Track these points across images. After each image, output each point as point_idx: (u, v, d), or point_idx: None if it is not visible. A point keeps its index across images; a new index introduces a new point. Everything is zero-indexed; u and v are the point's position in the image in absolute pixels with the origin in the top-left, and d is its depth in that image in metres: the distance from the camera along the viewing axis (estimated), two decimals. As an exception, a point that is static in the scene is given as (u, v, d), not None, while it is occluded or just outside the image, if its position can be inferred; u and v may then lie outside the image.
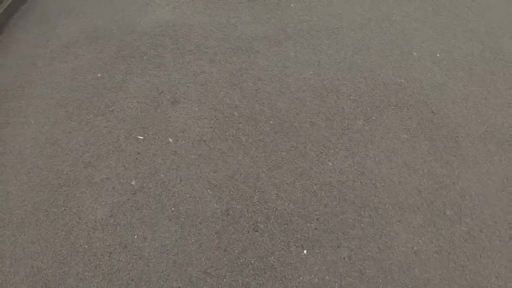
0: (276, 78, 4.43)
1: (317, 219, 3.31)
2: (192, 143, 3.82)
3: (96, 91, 4.35)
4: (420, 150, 3.78)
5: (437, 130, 3.95)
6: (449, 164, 3.70)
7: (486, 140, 3.90)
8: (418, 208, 3.39)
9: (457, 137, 3.91)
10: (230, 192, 3.48)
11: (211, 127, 3.95)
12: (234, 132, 3.91)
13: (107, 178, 3.57)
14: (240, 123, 3.99)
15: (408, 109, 4.13)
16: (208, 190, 3.49)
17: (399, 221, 3.30)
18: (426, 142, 3.85)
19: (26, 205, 3.43)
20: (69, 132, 3.96)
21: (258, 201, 3.42)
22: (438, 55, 4.80)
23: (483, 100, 4.27)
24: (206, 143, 3.83)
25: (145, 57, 4.74)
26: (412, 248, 3.17)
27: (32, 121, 4.09)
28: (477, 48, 4.94)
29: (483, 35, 5.14)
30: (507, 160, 3.75)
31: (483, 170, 3.67)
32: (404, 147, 3.80)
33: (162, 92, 4.30)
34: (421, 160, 3.71)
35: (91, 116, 4.09)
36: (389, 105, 4.16)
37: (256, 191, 3.48)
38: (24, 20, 5.58)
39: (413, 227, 3.27)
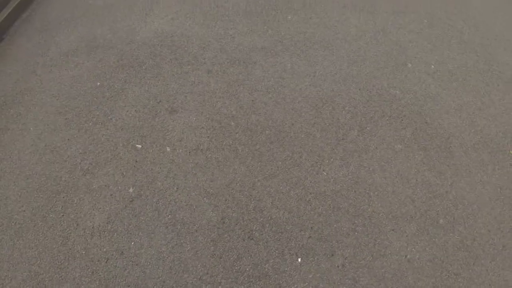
0: (273, 89, 4.49)
1: (311, 228, 3.35)
2: (189, 152, 3.87)
3: (95, 99, 4.41)
4: (414, 160, 3.84)
5: (431, 140, 4.01)
6: (442, 173, 3.75)
7: (479, 150, 3.96)
8: (412, 217, 3.43)
9: (451, 147, 3.97)
10: (226, 200, 3.52)
11: (208, 137, 4.00)
12: (231, 142, 3.96)
13: (105, 185, 3.61)
14: (236, 133, 4.04)
15: (402, 120, 4.19)
16: (205, 199, 3.53)
17: (392, 230, 3.35)
18: (420, 152, 3.90)
19: (25, 211, 3.47)
20: (68, 140, 4.00)
21: (253, 210, 3.46)
22: (433, 66, 4.87)
23: (477, 111, 4.33)
24: (203, 152, 3.88)
25: (143, 67, 4.80)
26: (406, 257, 3.21)
27: (31, 128, 4.13)
28: (471, 59, 5.02)
29: (477, 46, 5.22)
30: (500, 170, 3.81)
31: (476, 180, 3.72)
32: (398, 157, 3.86)
33: (160, 101, 4.35)
34: (415, 170, 3.76)
35: (90, 124, 4.14)
36: (384, 116, 4.22)
37: (252, 199, 3.53)
38: (25, 27, 5.65)
39: (407, 236, 3.32)
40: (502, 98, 4.50)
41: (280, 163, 3.78)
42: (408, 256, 3.21)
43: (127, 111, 4.26)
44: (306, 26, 5.45)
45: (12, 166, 3.82)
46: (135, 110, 4.26)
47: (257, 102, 4.34)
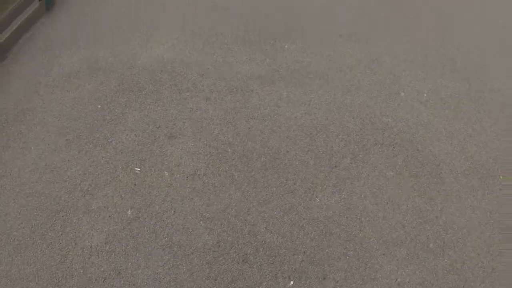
0: (269, 117, 4.62)
1: (304, 252, 3.43)
2: (187, 177, 3.97)
3: (95, 122, 4.52)
4: (405, 187, 3.94)
5: (422, 167, 4.13)
6: (433, 199, 3.85)
7: (469, 176, 4.08)
8: (402, 242, 3.52)
9: (441, 173, 4.08)
10: (221, 224, 3.61)
11: (205, 163, 4.11)
12: (227, 168, 4.07)
13: (104, 207, 3.69)
14: (233, 159, 4.15)
15: (394, 147, 4.31)
16: (201, 222, 3.62)
17: (383, 254, 3.43)
18: (411, 179, 4.01)
19: (24, 228, 3.54)
20: (68, 160, 4.10)
21: (248, 234, 3.55)
22: (425, 95, 5.02)
23: (468, 137, 4.47)
24: (200, 177, 3.98)
25: (144, 92, 4.93)
26: (396, 280, 3.28)
27: (32, 147, 4.23)
28: (464, 86, 5.18)
29: (469, 73, 5.39)
30: (490, 194, 3.92)
31: (466, 205, 3.83)
32: (389, 183, 3.97)
33: (159, 126, 4.47)
34: (406, 196, 3.86)
35: (90, 146, 4.24)
36: (376, 144, 4.34)
37: (247, 224, 3.62)
38: (28, 47, 5.78)
39: (397, 260, 3.40)
40: (493, 124, 4.64)
41: (274, 189, 3.88)
42: (399, 280, 3.29)
43: (127, 135, 4.37)
44: (303, 55, 5.61)
45: (12, 183, 3.90)
46: (135, 134, 4.37)
47: (253, 129, 4.47)
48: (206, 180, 3.95)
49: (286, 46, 5.80)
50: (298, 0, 6.98)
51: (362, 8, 6.80)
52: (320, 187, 3.92)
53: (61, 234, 3.50)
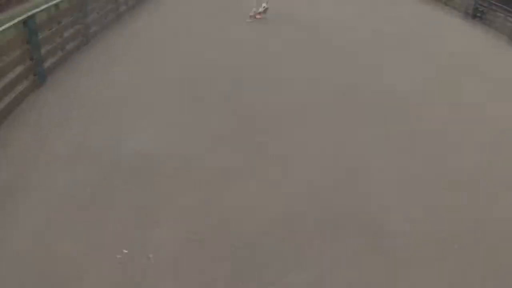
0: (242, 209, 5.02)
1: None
2: (171, 262, 4.21)
3: (84, 204, 4.82)
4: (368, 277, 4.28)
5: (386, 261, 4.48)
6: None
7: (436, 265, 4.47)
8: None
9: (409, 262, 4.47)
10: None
11: (187, 248, 4.38)
12: (210, 255, 4.34)
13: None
14: (213, 247, 4.44)
15: (358, 241, 4.69)
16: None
17: None
18: (373, 270, 4.36)
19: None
20: (57, 241, 4.32)
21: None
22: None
23: (431, 218, 5.02)
24: (184, 262, 4.23)
25: (130, 178, 5.33)
26: None
27: (22, 225, 4.45)
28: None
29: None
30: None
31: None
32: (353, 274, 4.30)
33: (145, 212, 4.79)
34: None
35: (79, 227, 4.48)
36: (339, 237, 4.72)
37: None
38: (19, 121, 6.24)
39: None
40: (451, 204, 5.32)
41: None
42: None
43: (115, 217, 4.67)
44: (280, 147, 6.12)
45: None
46: (122, 218, 4.67)
47: (233, 214, 4.87)
48: (190, 266, 4.19)
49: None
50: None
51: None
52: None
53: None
